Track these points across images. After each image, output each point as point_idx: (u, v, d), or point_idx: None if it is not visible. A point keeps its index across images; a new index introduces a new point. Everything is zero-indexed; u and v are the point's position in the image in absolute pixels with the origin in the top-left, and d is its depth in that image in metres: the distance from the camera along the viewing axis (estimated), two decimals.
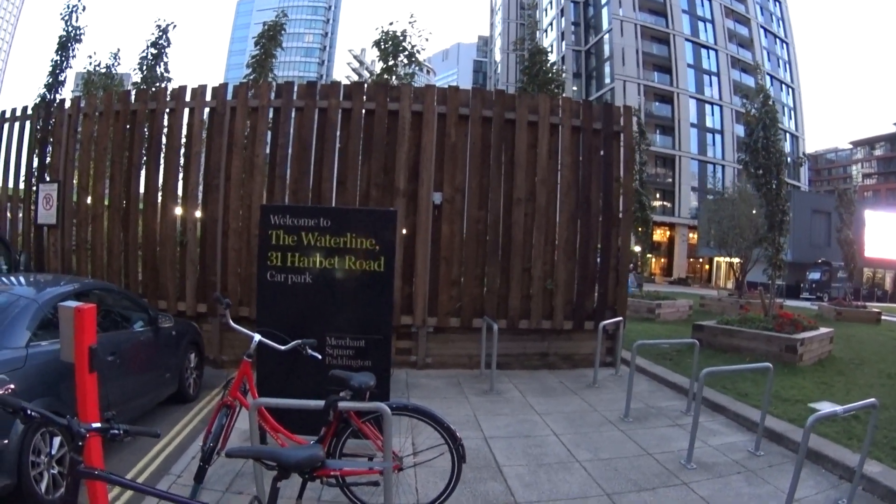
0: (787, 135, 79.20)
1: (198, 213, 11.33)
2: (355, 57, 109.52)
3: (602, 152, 11.65)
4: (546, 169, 11.34)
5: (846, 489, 5.74)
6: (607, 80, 73.08)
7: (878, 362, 13.14)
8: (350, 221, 6.32)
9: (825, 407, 7.70)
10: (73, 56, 14.08)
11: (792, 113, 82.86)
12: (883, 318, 25.49)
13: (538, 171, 11.32)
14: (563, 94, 17.00)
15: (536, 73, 16.05)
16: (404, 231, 10.81)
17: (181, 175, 11.40)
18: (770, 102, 14.93)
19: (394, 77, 15.57)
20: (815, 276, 48.66)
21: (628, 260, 12.95)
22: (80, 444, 2.75)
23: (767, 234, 14.33)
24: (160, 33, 16.40)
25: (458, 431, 4.83)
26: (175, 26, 16.60)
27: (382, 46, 15.91)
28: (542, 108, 11.40)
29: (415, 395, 8.94)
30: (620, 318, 11.43)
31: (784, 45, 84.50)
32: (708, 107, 73.81)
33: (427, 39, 16.84)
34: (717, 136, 73.54)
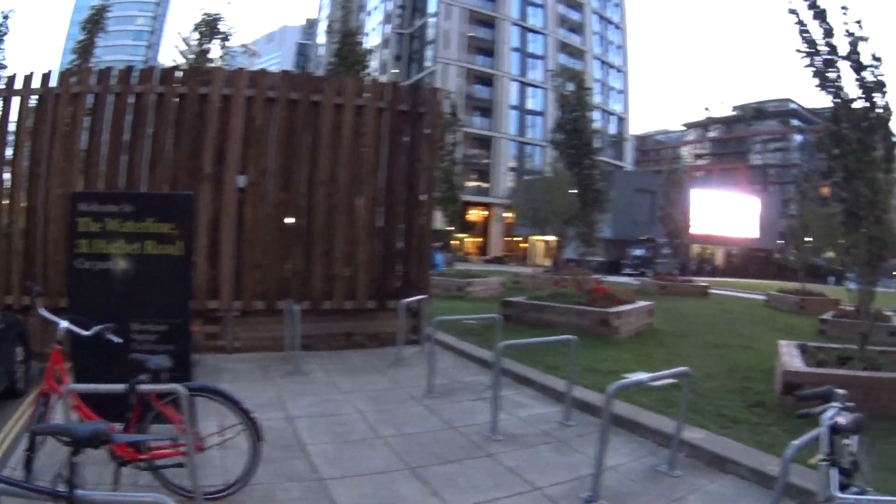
0: (615, 117, 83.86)
1: (23, 204, 10.98)
2: (184, 40, 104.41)
3: (408, 134, 12.08)
4: (349, 150, 11.59)
5: (665, 455, 6.05)
6: (429, 63, 73.68)
7: (705, 334, 13.96)
8: (150, 206, 6.44)
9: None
10: None
11: (621, 96, 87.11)
12: (711, 291, 27.01)
13: (341, 152, 11.51)
14: (373, 76, 17.34)
15: (346, 55, 16.43)
16: (210, 215, 10.85)
17: (8, 166, 10.98)
18: (585, 87, 15.84)
19: (214, 61, 15.64)
20: (639, 252, 50.61)
21: (430, 239, 13.36)
22: None
23: (580, 212, 15.18)
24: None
25: (253, 410, 5.07)
26: (14, 12, 15.85)
27: (202, 29, 15.91)
28: (348, 90, 11.68)
29: (223, 380, 8.61)
30: (424, 296, 11.72)
31: (618, 30, 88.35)
32: (530, 89, 76.36)
33: (239, 20, 16.98)
34: (539, 118, 76.13)
